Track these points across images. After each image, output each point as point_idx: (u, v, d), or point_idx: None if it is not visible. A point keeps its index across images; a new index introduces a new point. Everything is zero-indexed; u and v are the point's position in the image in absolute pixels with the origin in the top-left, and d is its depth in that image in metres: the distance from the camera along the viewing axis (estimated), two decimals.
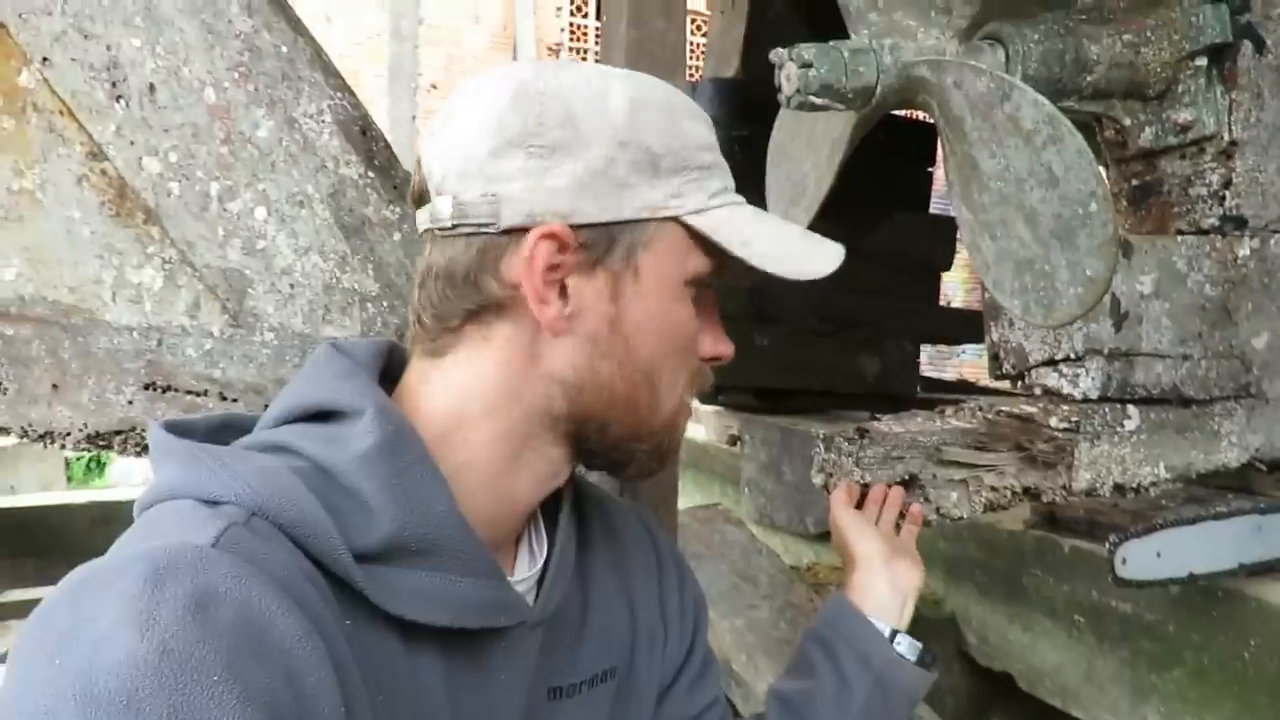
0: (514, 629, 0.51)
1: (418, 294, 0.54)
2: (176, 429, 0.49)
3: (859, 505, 0.89)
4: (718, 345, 0.59)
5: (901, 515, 0.93)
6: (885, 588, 0.79)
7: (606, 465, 0.58)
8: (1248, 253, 1.22)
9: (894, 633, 0.76)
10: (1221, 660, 1.17)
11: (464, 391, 0.51)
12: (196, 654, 0.35)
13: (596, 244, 0.51)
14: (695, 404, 2.99)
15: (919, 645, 0.78)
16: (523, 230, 0.50)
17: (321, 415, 0.49)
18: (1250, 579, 1.13)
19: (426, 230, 0.53)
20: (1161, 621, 1.26)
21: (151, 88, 0.87)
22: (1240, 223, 1.22)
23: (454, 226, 0.51)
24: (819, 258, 0.57)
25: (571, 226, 0.50)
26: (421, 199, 0.54)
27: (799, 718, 0.71)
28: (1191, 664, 1.22)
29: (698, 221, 0.53)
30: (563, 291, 0.51)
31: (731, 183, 0.58)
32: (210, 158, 0.89)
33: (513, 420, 0.52)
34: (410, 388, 0.53)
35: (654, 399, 0.54)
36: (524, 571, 0.56)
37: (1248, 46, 1.17)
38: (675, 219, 0.53)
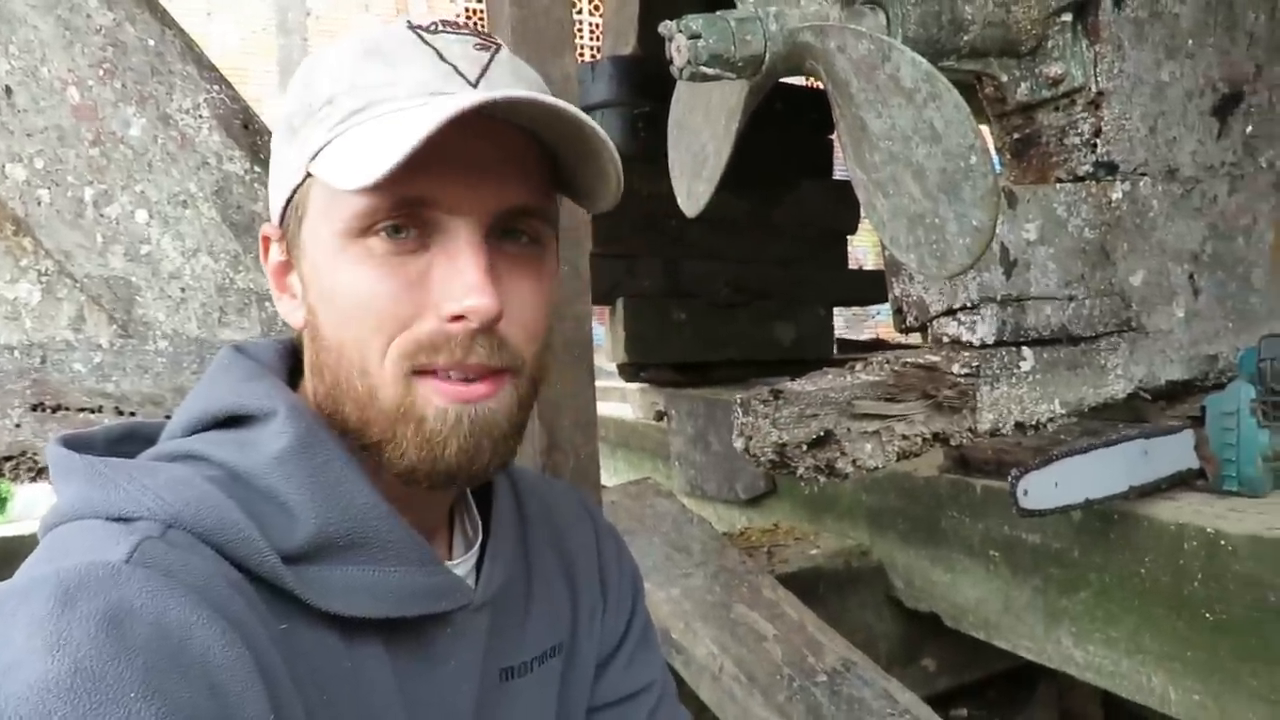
0: (458, 613, 0.51)
1: None
2: (75, 444, 0.46)
3: None
4: (458, 300, 0.45)
5: None
6: None
7: (386, 467, 0.49)
8: (1120, 196, 1.29)
9: None
10: (1121, 579, 1.25)
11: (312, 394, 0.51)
12: (111, 672, 0.34)
13: (286, 229, 0.51)
14: (619, 384, 3.01)
15: None
16: None
17: (230, 420, 0.48)
18: (1141, 500, 1.21)
19: None
20: (1067, 548, 1.34)
21: (8, 90, 0.82)
22: (1111, 168, 1.29)
23: None
24: (397, 146, 0.42)
25: (279, 224, 0.51)
26: None
27: None
28: (1096, 585, 1.30)
29: (314, 164, 0.47)
30: (289, 285, 0.52)
31: (386, 93, 0.46)
32: (80, 161, 0.84)
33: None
34: (305, 385, 0.52)
35: (365, 380, 0.46)
36: (461, 555, 0.55)
37: (1108, 1, 1.24)
38: (309, 173, 0.47)
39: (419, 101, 0.45)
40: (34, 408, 0.89)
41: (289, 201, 0.49)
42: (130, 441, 0.50)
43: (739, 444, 1.17)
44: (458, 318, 0.45)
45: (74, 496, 0.44)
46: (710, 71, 1.00)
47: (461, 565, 0.54)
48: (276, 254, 0.52)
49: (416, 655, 0.49)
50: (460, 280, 0.45)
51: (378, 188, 0.43)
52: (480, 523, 0.57)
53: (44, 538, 0.43)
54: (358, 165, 0.43)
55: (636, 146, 2.59)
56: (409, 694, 0.49)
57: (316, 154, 0.46)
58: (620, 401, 3.18)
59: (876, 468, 1.16)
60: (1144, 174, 1.32)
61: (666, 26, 1.00)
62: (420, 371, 0.46)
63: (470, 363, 0.46)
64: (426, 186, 0.45)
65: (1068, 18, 1.24)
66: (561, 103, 0.45)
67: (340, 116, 0.46)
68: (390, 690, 0.48)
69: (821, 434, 1.13)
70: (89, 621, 0.35)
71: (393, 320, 0.46)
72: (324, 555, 0.45)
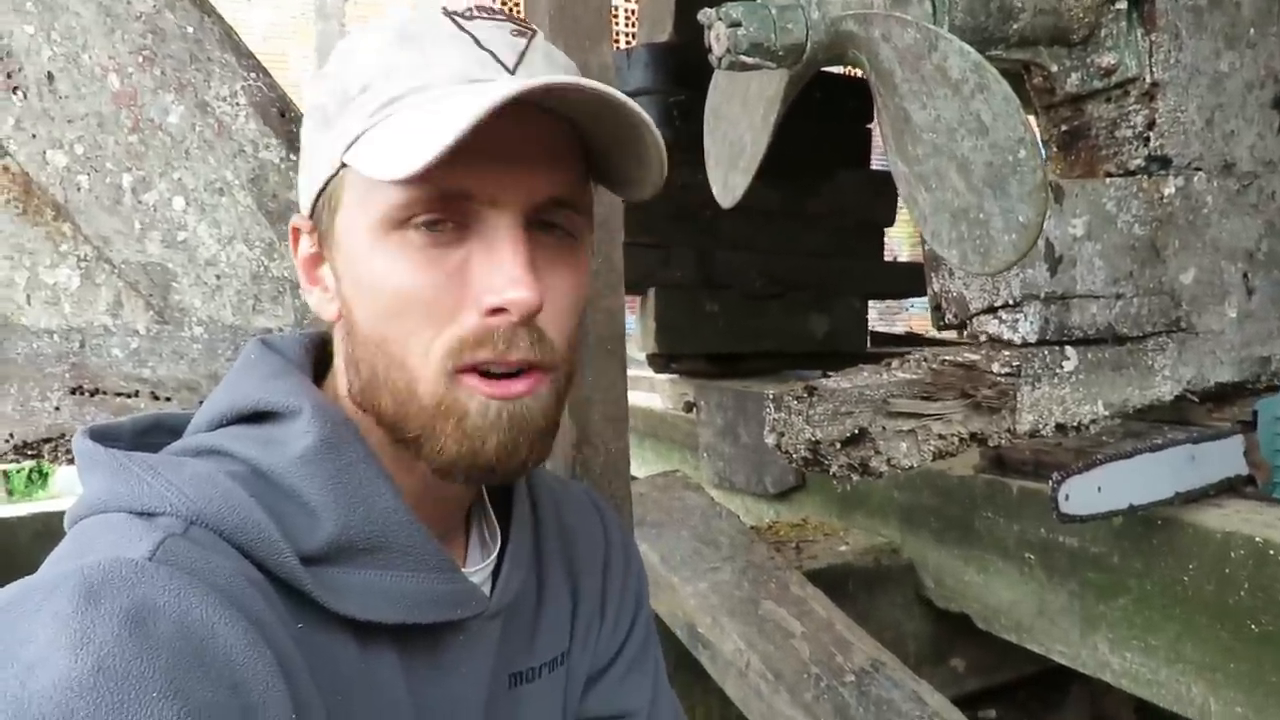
0: (471, 620, 0.50)
1: None
2: (101, 436, 0.46)
3: None
4: (499, 292, 0.44)
5: None
6: None
7: (423, 463, 0.48)
8: (1173, 191, 1.25)
9: None
10: (1163, 586, 1.22)
11: (343, 389, 0.51)
12: (134, 671, 0.34)
13: (318, 221, 0.50)
14: (648, 374, 3.00)
15: None
16: None
17: (256, 416, 0.48)
18: (1186, 506, 1.18)
19: None
20: (1106, 553, 1.31)
21: (50, 76, 0.82)
22: (1165, 162, 1.25)
23: None
24: (440, 136, 0.40)
25: (310, 215, 0.50)
26: None
27: None
28: (1136, 591, 1.27)
29: (349, 154, 0.45)
30: (321, 277, 0.51)
31: (422, 80, 0.44)
32: (119, 148, 0.84)
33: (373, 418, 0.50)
34: (332, 382, 0.52)
35: (404, 374, 0.46)
36: (477, 562, 0.54)
37: None
38: (344, 163, 0.46)
39: (457, 89, 0.44)
40: (73, 391, 0.90)
41: (321, 192, 0.48)
42: (157, 433, 0.50)
43: (771, 440, 1.16)
44: (498, 310, 0.45)
45: (99, 489, 0.44)
46: (750, 60, 0.98)
47: (479, 573, 0.54)
48: (307, 246, 0.51)
49: (428, 661, 0.49)
50: (501, 273, 0.44)
51: (416, 179, 0.41)
52: (498, 529, 0.56)
53: (69, 529, 0.44)
54: (397, 155, 0.42)
55: (671, 135, 2.56)
56: (419, 699, 0.49)
57: (353, 143, 0.45)
58: (649, 391, 3.17)
59: (911, 467, 1.14)
60: (1199, 169, 1.27)
61: (706, 14, 0.98)
62: (462, 368, 0.45)
63: (512, 357, 0.45)
64: (465, 178, 0.44)
65: (1123, 5, 1.19)
66: (608, 88, 0.44)
67: (377, 105, 0.45)
68: (401, 694, 0.48)
69: (856, 432, 1.11)
70: (112, 619, 0.35)
71: (434, 314, 0.45)
72: (343, 558, 0.45)
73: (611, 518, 0.68)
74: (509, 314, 0.45)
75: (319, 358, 0.53)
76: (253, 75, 0.88)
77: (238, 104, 0.87)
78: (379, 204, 0.45)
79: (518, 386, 0.46)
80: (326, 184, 0.48)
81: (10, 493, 4.30)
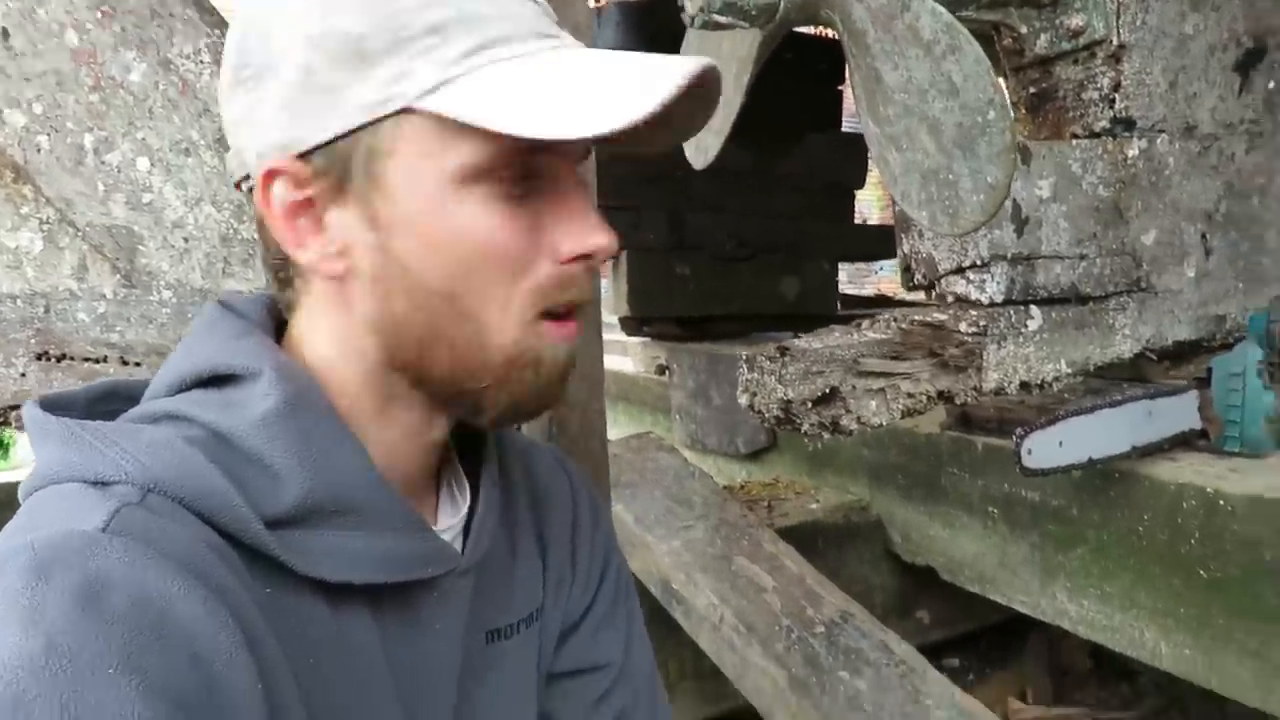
0: (444, 577, 0.50)
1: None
2: (53, 405, 0.45)
3: None
4: (583, 239, 0.46)
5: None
6: None
7: (466, 416, 0.49)
8: (1136, 153, 1.27)
9: None
10: (1119, 536, 1.27)
11: (318, 356, 0.48)
12: (89, 647, 0.33)
13: (332, 167, 0.44)
14: (621, 337, 3.01)
15: None
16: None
17: (215, 380, 0.46)
18: (1142, 459, 1.22)
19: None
20: (1066, 506, 1.35)
21: (5, 33, 0.79)
22: (1129, 124, 1.27)
23: (238, 185, 0.48)
24: (629, 100, 0.41)
25: (300, 156, 0.44)
26: None
27: None
28: (1093, 542, 1.31)
29: (437, 103, 0.42)
30: (325, 229, 0.45)
31: (508, 29, 0.44)
32: (80, 106, 0.82)
33: (363, 373, 0.48)
34: (291, 343, 0.50)
35: (473, 327, 0.45)
36: (448, 519, 0.54)
37: None
38: (408, 110, 0.42)
39: (540, 44, 0.44)
40: (39, 357, 0.89)
41: (345, 135, 0.43)
42: (112, 400, 0.48)
43: (744, 400, 1.17)
44: (580, 257, 0.46)
45: (51, 460, 0.42)
46: (723, 20, 0.97)
47: (449, 530, 0.53)
48: (288, 192, 0.45)
49: (402, 620, 0.48)
50: (580, 221, 0.46)
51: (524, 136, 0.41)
52: (467, 486, 0.56)
53: (23, 502, 0.42)
54: (556, 115, 0.41)
55: None
56: (394, 658, 0.48)
57: (432, 90, 0.42)
58: (621, 355, 3.18)
59: (880, 425, 1.17)
60: (1162, 130, 1.29)
61: None
62: (540, 315, 0.46)
63: (585, 299, 0.48)
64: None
65: None
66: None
67: (458, 52, 0.42)
68: (376, 655, 0.47)
69: (827, 391, 1.14)
70: (64, 595, 0.34)
71: (514, 266, 0.45)
72: (310, 520, 0.44)
73: (579, 477, 0.67)
74: (592, 259, 0.46)
75: (279, 319, 0.51)
76: (217, 32, 0.86)
77: (202, 61, 0.85)
78: (460, 156, 0.43)
79: (575, 327, 0.48)
80: (361, 127, 0.43)
81: None
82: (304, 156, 0.44)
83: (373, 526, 0.45)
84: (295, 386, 0.45)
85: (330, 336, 0.48)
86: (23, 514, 0.41)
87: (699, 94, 0.44)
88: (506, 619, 0.56)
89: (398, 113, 0.42)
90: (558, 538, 0.62)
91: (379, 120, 0.43)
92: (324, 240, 0.45)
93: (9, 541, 0.37)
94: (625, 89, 0.41)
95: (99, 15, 0.81)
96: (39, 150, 0.82)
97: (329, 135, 0.43)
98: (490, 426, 0.49)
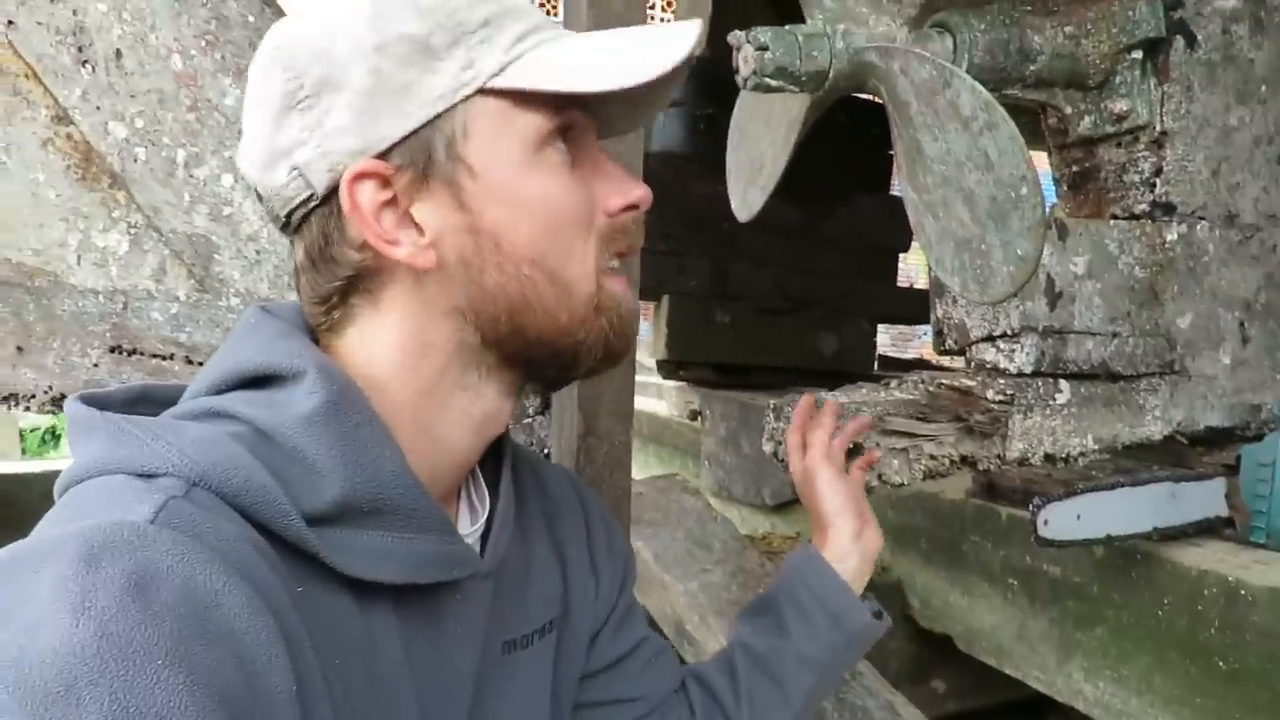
0: (466, 581, 0.51)
1: (298, 295, 0.52)
2: (94, 402, 0.46)
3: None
4: (627, 192, 0.52)
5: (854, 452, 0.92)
6: (857, 557, 0.80)
7: (559, 374, 0.54)
8: (1175, 237, 1.29)
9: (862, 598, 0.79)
10: (1139, 618, 1.25)
11: (375, 361, 0.49)
12: (138, 637, 0.33)
13: (415, 160, 0.47)
14: (657, 380, 3.04)
15: (874, 603, 0.81)
16: (338, 186, 0.47)
17: (258, 380, 0.47)
18: (1165, 543, 1.21)
19: (287, 232, 0.51)
20: (1086, 583, 1.34)
21: (118, 53, 0.88)
22: (1169, 209, 1.29)
23: (288, 217, 0.49)
24: (656, 52, 0.48)
25: (379, 157, 0.47)
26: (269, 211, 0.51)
27: (768, 673, 0.73)
28: (1112, 622, 1.30)
29: (505, 82, 0.47)
30: (413, 224, 0.48)
31: (536, 18, 0.50)
32: (177, 124, 0.90)
33: (435, 372, 0.50)
34: (338, 356, 0.51)
35: (560, 285, 0.50)
36: (467, 526, 0.56)
37: (1180, 41, 1.23)
38: (480, 91, 0.47)
39: (555, 31, 0.51)
40: (112, 350, 0.95)
41: (420, 130, 0.47)
42: (144, 404, 0.49)
43: (768, 447, 1.20)
44: (629, 208, 0.52)
45: (96, 452, 0.42)
46: (774, 83, 1.03)
47: (469, 536, 0.55)
48: (376, 192, 0.47)
49: (425, 623, 0.50)
50: (620, 180, 0.53)
51: (561, 100, 0.48)
52: (486, 494, 0.58)
53: (60, 496, 0.42)
54: (609, 68, 0.48)
55: (696, 146, 2.62)
56: (414, 660, 0.49)
57: (499, 72, 0.47)
58: (656, 398, 3.21)
59: (901, 484, 1.18)
60: (1202, 217, 1.31)
61: (735, 36, 1.03)
62: (607, 267, 0.52)
63: (640, 244, 0.54)
64: (590, 97, 0.50)
65: (1138, 55, 1.24)
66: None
67: (511, 38, 0.48)
68: (398, 656, 0.48)
69: (851, 446, 1.16)
70: (114, 585, 0.34)
71: (585, 220, 0.51)
72: (347, 518, 0.45)
73: (587, 491, 0.70)
74: (639, 209, 0.53)
75: (312, 334, 0.52)
76: None
77: None
78: (530, 124, 0.48)
79: (626, 280, 0.54)
80: (433, 120, 0.47)
81: (24, 451, 4.38)
82: (383, 156, 0.47)
83: (406, 528, 0.47)
84: (339, 386, 0.46)
85: (397, 340, 0.49)
86: (66, 505, 0.41)
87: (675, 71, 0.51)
88: (523, 629, 0.58)
89: (471, 96, 0.47)
90: (574, 545, 0.65)
91: (454, 107, 0.47)
92: (414, 234, 0.48)
93: (56, 530, 0.37)
94: (647, 50, 0.48)
95: (203, 43, 0.90)
96: (135, 161, 0.90)
97: (412, 126, 0.46)
98: (584, 375, 0.54)
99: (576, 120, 0.51)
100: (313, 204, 0.48)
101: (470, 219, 0.48)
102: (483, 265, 0.48)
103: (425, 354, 0.50)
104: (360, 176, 0.47)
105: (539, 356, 0.52)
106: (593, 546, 0.66)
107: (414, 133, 0.47)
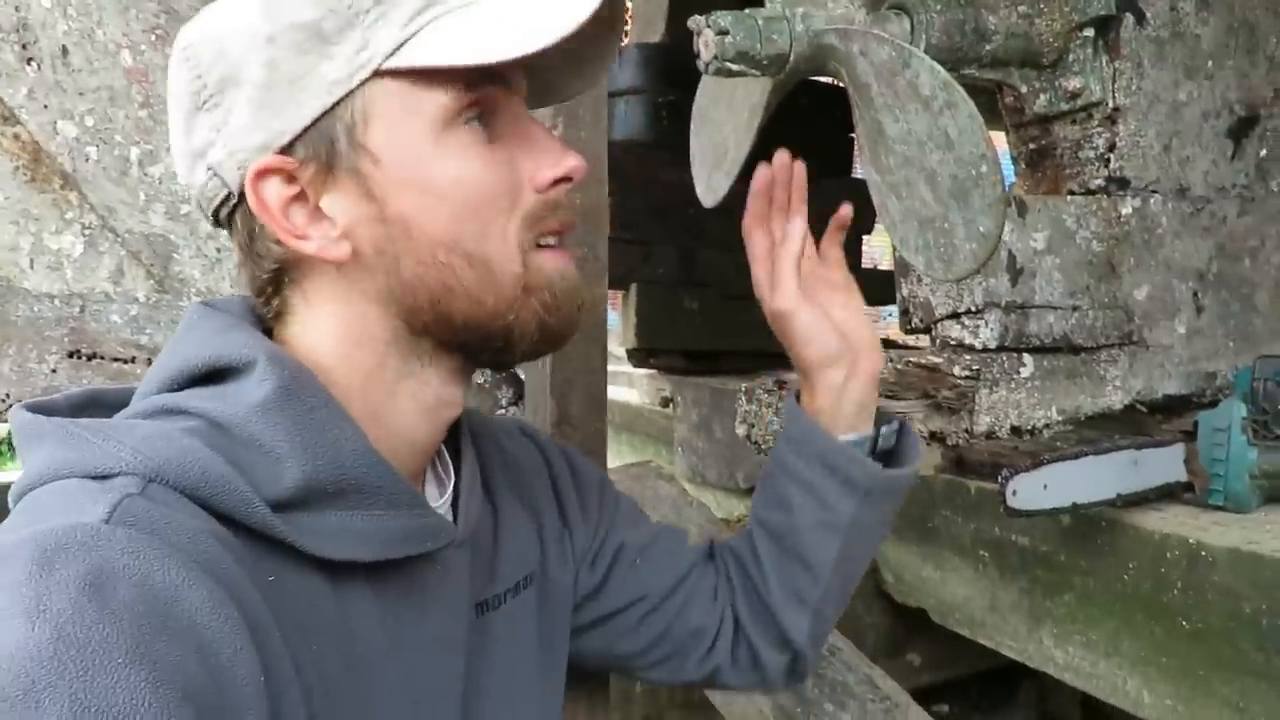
0: (444, 551, 0.51)
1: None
2: (41, 409, 0.45)
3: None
4: (557, 164, 0.49)
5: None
6: (853, 403, 0.69)
7: (496, 358, 0.52)
8: (1130, 211, 1.32)
9: (871, 438, 0.70)
10: (1105, 583, 1.29)
11: (319, 349, 0.49)
12: (96, 637, 0.33)
13: (318, 152, 0.46)
14: (627, 369, 3.05)
15: (894, 428, 0.72)
16: None
17: (208, 375, 0.46)
18: (1129, 509, 1.25)
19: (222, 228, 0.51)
20: (1054, 552, 1.37)
21: (64, 50, 0.85)
22: (1123, 183, 1.32)
23: (215, 217, 0.49)
24: (564, 8, 0.45)
25: (283, 151, 0.45)
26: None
27: (784, 548, 0.69)
28: (1079, 588, 1.33)
29: (403, 61, 0.45)
30: (325, 217, 0.47)
31: None
32: (129, 122, 0.88)
33: (375, 361, 0.49)
34: (284, 345, 0.50)
35: (481, 268, 0.48)
36: (435, 498, 0.56)
37: (1130, 19, 1.26)
38: (378, 74, 0.45)
39: (471, 1, 0.47)
40: (70, 354, 0.93)
41: (320, 119, 0.45)
42: (94, 408, 0.48)
43: (741, 430, 1.21)
44: (558, 182, 0.50)
45: (47, 458, 0.42)
46: (735, 67, 1.03)
47: (439, 507, 0.55)
48: (281, 188, 0.46)
49: (408, 598, 0.49)
50: (549, 151, 0.50)
51: (472, 75, 0.45)
52: (450, 464, 0.58)
53: (15, 505, 0.42)
54: (503, 39, 0.44)
55: (659, 134, 2.62)
56: (397, 636, 0.48)
57: (395, 50, 0.45)
58: (627, 386, 3.22)
59: None
60: (1155, 191, 1.34)
61: (695, 21, 1.03)
62: (536, 244, 0.50)
63: (571, 219, 0.51)
64: (508, 69, 0.47)
65: (1090, 33, 1.26)
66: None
67: (408, 14, 0.45)
68: (378, 634, 0.47)
69: None
70: (69, 586, 0.34)
71: (507, 199, 0.48)
72: (312, 501, 0.44)
73: (543, 438, 0.70)
74: (569, 181, 0.50)
75: (263, 325, 0.51)
76: None
77: None
78: (434, 102, 0.45)
79: (568, 255, 0.51)
80: (333, 107, 0.45)
81: None
82: (287, 151, 0.46)
83: (374, 505, 0.46)
84: (289, 372, 0.45)
85: (333, 331, 0.49)
86: (20, 513, 0.40)
87: (609, 23, 0.49)
88: (494, 590, 0.59)
89: (368, 80, 0.45)
90: (541, 496, 0.65)
91: (352, 93, 0.45)
92: (324, 227, 0.47)
93: (9, 537, 0.37)
94: (554, 12, 0.45)
95: (153, 38, 0.87)
96: (87, 160, 0.88)
97: (310, 117, 0.45)
98: (522, 358, 0.52)
99: (492, 94, 0.48)
100: (233, 202, 0.48)
101: (378, 208, 0.46)
102: (398, 254, 0.47)
103: (361, 344, 0.49)
104: (262, 173, 0.46)
105: (472, 341, 0.50)
106: (558, 489, 0.67)
107: (314, 123, 0.45)
